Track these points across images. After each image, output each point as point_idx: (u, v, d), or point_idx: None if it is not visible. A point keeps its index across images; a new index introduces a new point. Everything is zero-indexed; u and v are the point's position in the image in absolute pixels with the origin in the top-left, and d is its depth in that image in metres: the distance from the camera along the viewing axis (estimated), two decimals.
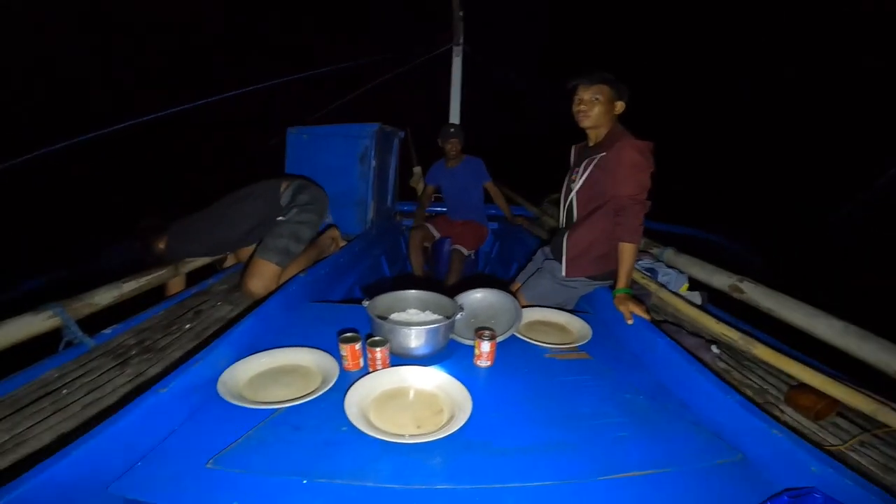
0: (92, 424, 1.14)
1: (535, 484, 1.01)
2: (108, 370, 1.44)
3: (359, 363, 1.42)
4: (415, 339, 1.44)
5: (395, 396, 1.28)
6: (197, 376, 1.24)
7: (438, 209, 4.15)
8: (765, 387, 1.54)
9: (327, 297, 2.30)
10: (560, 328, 1.80)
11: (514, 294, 1.80)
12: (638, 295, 1.86)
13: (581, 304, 2.13)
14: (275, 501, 0.92)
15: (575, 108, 1.87)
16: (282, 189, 2.31)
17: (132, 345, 1.61)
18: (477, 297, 1.77)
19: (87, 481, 0.91)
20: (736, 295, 1.90)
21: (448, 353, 1.55)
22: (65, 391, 1.31)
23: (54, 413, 1.22)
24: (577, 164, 1.99)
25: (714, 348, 1.70)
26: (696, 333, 1.77)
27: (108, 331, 1.65)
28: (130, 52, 9.16)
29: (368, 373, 1.35)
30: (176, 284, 2.21)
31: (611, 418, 1.26)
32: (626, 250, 1.76)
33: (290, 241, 2.17)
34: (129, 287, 1.85)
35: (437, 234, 3.81)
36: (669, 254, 2.37)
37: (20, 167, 2.44)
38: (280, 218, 2.23)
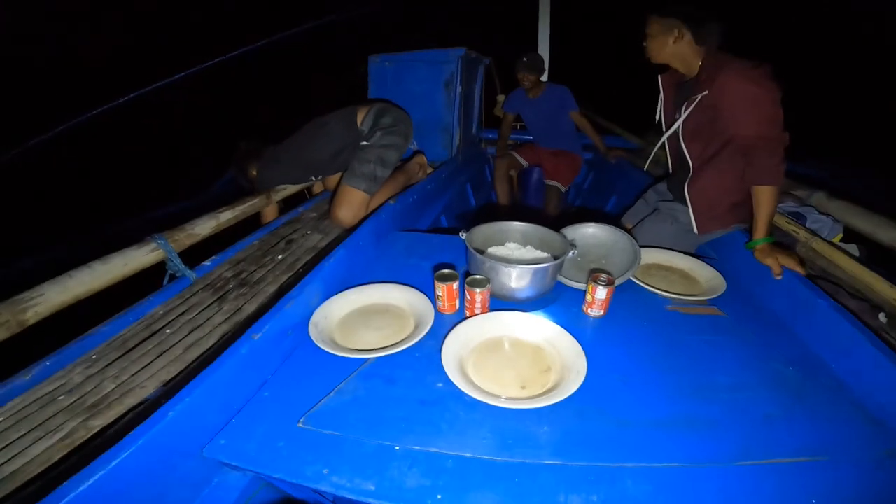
0: (193, 370, 1.03)
1: (660, 465, 0.79)
2: (207, 306, 1.35)
3: (455, 305, 1.20)
4: (519, 280, 1.17)
5: (496, 349, 1.06)
6: (289, 317, 1.09)
7: (525, 137, 3.71)
8: None
9: (415, 226, 2.11)
10: (683, 275, 1.44)
11: (629, 232, 1.44)
12: (782, 244, 1.43)
13: (703, 247, 1.71)
14: (365, 470, 0.76)
15: None
16: (360, 114, 2.06)
17: (229, 277, 1.50)
18: (587, 233, 1.45)
19: (184, 442, 0.80)
20: None
21: (553, 298, 1.28)
22: (168, 331, 1.23)
23: (159, 356, 1.13)
24: (675, 102, 1.59)
25: (881, 316, 1.26)
26: (856, 295, 1.33)
27: (207, 262, 1.57)
28: None
29: (465, 317, 1.12)
30: (269, 213, 2.11)
31: (754, 391, 0.98)
32: (765, 193, 1.35)
33: (377, 166, 1.95)
34: (226, 217, 1.74)
35: (524, 163, 3.43)
36: (820, 197, 1.79)
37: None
38: (364, 143, 2.01)
